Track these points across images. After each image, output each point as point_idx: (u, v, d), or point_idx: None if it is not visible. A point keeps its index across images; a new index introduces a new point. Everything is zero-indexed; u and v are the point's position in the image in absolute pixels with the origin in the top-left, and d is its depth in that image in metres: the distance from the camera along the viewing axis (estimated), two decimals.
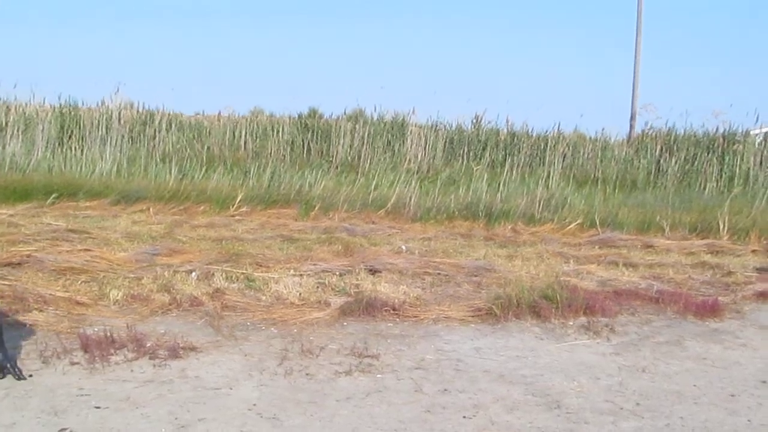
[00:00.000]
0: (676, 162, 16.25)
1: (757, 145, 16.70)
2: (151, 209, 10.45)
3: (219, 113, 18.75)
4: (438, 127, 17.73)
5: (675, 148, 16.64)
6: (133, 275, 6.32)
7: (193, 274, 6.39)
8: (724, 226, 10.24)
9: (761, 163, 16.24)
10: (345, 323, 5.34)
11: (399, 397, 3.96)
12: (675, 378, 4.52)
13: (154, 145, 16.60)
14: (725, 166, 16.06)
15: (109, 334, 4.57)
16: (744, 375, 4.66)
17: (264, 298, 5.82)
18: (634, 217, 10.77)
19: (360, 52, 59.88)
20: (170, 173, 12.89)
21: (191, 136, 17.22)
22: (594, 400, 4.05)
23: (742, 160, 16.21)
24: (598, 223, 10.34)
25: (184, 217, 10.16)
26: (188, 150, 16.13)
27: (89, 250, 7.09)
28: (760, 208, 11.63)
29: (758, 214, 11.16)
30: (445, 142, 17.32)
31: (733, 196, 12.61)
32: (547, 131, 17.71)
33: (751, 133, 17.03)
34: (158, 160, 14.48)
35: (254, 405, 3.79)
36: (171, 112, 18.25)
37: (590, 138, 17.45)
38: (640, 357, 4.90)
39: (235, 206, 10.72)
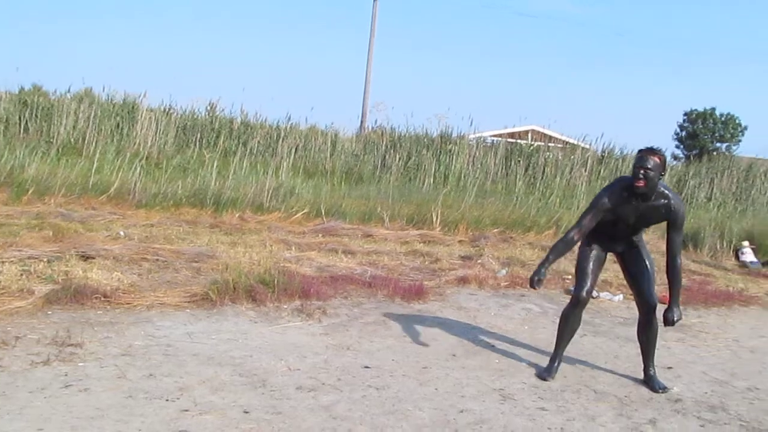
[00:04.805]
0: (399, 158, 17.29)
1: (471, 148, 18.31)
2: None
3: None
4: (171, 112, 17.21)
5: (399, 145, 17.71)
6: None
7: None
8: (437, 219, 11.12)
9: (473, 163, 17.86)
10: (49, 312, 5.04)
11: (100, 384, 3.83)
12: (376, 354, 4.85)
13: None
14: (441, 165, 17.41)
15: None
16: (438, 350, 5.13)
17: None
18: (357, 208, 11.29)
19: (89, 27, 56.01)
20: None
21: None
22: (299, 378, 4.22)
23: (457, 159, 17.69)
24: (323, 212, 10.70)
25: None
26: None
27: None
28: (469, 203, 12.78)
29: (467, 208, 12.25)
30: (178, 128, 16.85)
31: (447, 192, 13.73)
32: (280, 122, 17.97)
33: (468, 136, 18.65)
34: None
35: None
36: None
37: (322, 131, 17.95)
38: (347, 336, 5.20)
39: None
